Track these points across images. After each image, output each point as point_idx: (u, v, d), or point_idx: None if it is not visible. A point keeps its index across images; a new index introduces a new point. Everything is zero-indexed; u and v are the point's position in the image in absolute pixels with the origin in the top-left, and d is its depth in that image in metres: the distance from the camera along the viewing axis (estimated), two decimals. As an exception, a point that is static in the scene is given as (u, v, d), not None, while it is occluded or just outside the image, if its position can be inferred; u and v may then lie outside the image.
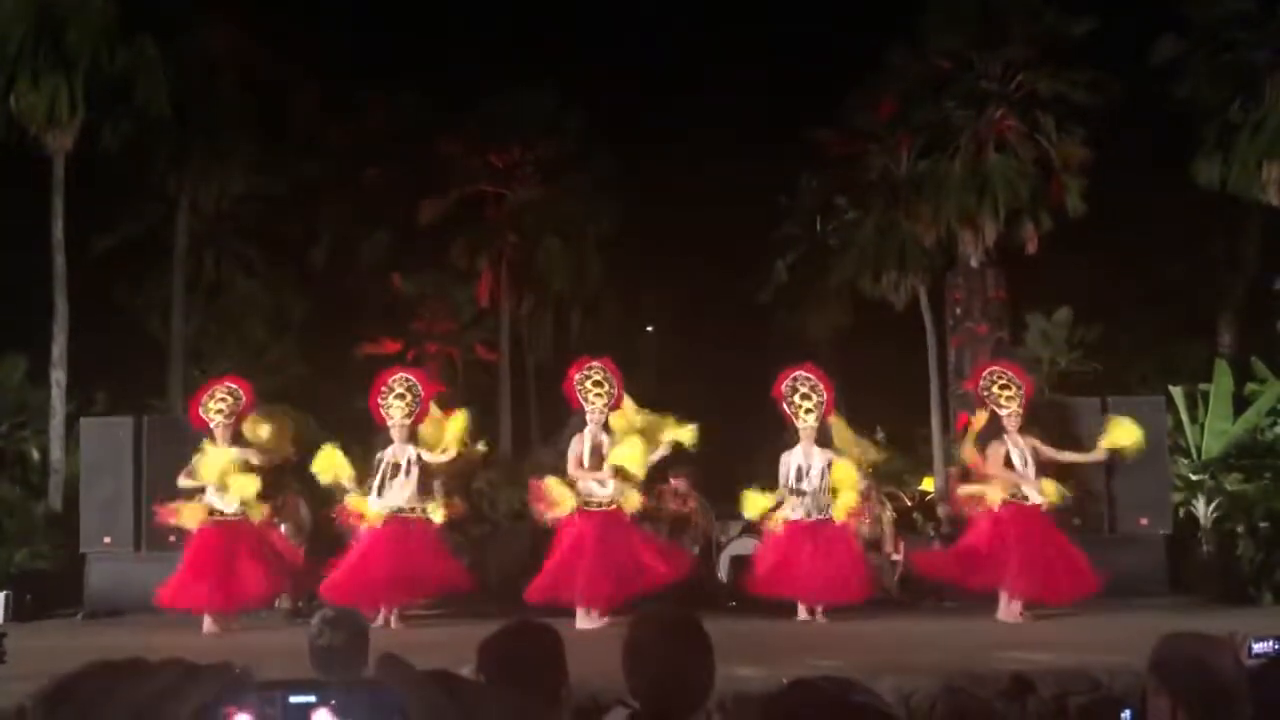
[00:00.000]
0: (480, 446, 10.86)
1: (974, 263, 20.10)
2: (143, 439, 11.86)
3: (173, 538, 10.61)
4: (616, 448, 9.76)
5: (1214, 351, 18.40)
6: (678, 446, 10.15)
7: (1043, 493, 9.85)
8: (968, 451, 10.22)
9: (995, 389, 10.16)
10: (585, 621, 9.33)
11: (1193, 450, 13.24)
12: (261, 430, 10.49)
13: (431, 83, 22.86)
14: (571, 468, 9.79)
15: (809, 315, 24.03)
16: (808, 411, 10.14)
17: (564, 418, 10.44)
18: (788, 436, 10.27)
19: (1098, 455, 10.34)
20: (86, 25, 15.61)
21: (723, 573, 11.77)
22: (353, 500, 10.02)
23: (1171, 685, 2.35)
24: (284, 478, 11.14)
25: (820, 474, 10.04)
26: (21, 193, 16.81)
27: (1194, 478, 12.78)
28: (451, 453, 10.19)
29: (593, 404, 9.88)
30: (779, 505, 10.08)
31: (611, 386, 9.99)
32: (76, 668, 1.36)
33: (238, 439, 10.33)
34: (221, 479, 10.10)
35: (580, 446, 9.82)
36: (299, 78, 20.35)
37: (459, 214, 23.99)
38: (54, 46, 15.51)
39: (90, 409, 15.55)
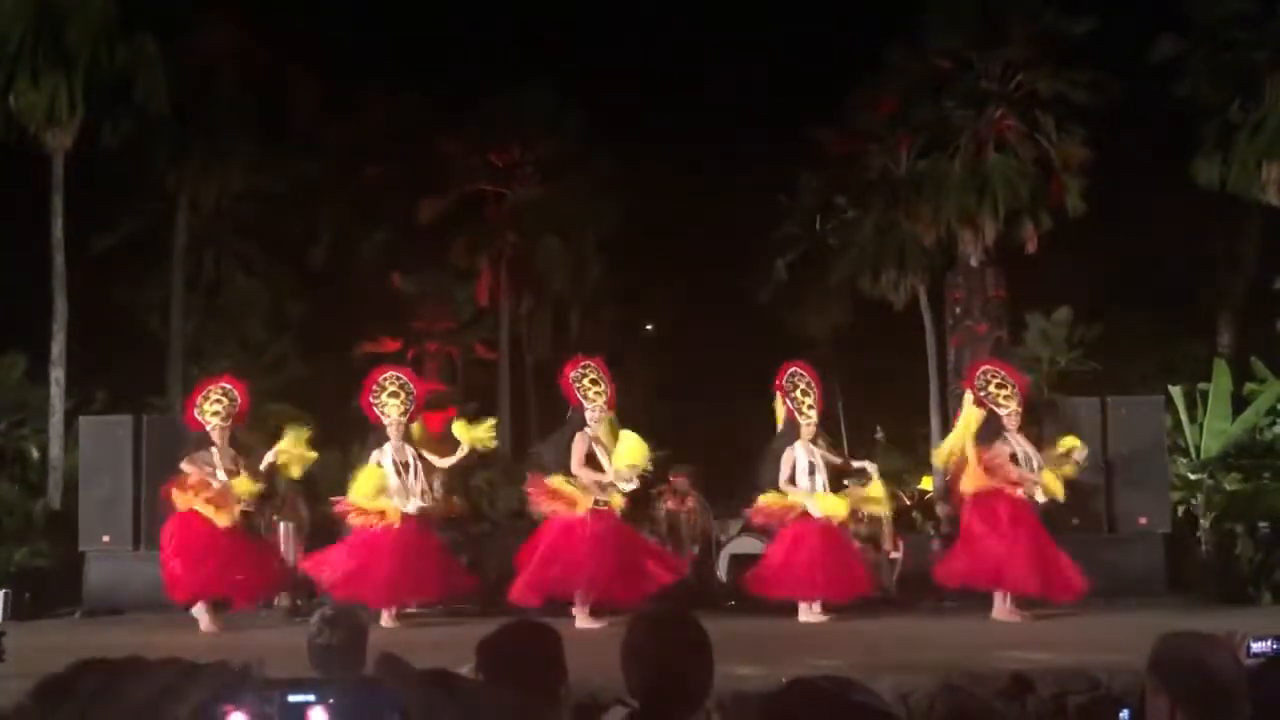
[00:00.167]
0: (485, 431, 10.63)
1: (974, 262, 20.12)
2: (142, 438, 11.84)
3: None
4: (619, 448, 9.72)
5: (1213, 351, 18.40)
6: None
7: (1047, 490, 9.83)
8: (969, 450, 10.07)
9: (992, 388, 10.10)
10: (585, 621, 9.33)
11: (1192, 450, 13.24)
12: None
13: (431, 82, 22.90)
14: (575, 467, 9.75)
15: (809, 314, 24.06)
16: (809, 407, 10.12)
17: (563, 417, 10.41)
18: (786, 431, 10.16)
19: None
20: (86, 24, 15.60)
21: (722, 572, 11.76)
22: (381, 502, 9.89)
23: (1170, 685, 2.35)
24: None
25: (822, 472, 10.04)
26: (21, 191, 16.82)
27: (1193, 477, 12.79)
28: (463, 452, 10.20)
29: (593, 401, 9.85)
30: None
31: (605, 385, 9.98)
32: (75, 666, 1.36)
33: (234, 441, 10.28)
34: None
35: (585, 446, 9.78)
36: (299, 76, 20.35)
37: (459, 213, 24.01)
38: (54, 45, 15.51)
39: (89, 407, 15.54)
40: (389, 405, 10.07)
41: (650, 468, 9.99)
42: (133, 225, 20.69)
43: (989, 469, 9.81)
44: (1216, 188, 17.56)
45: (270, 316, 22.09)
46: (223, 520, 9.80)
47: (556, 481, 9.73)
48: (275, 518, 11.49)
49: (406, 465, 10.01)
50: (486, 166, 24.50)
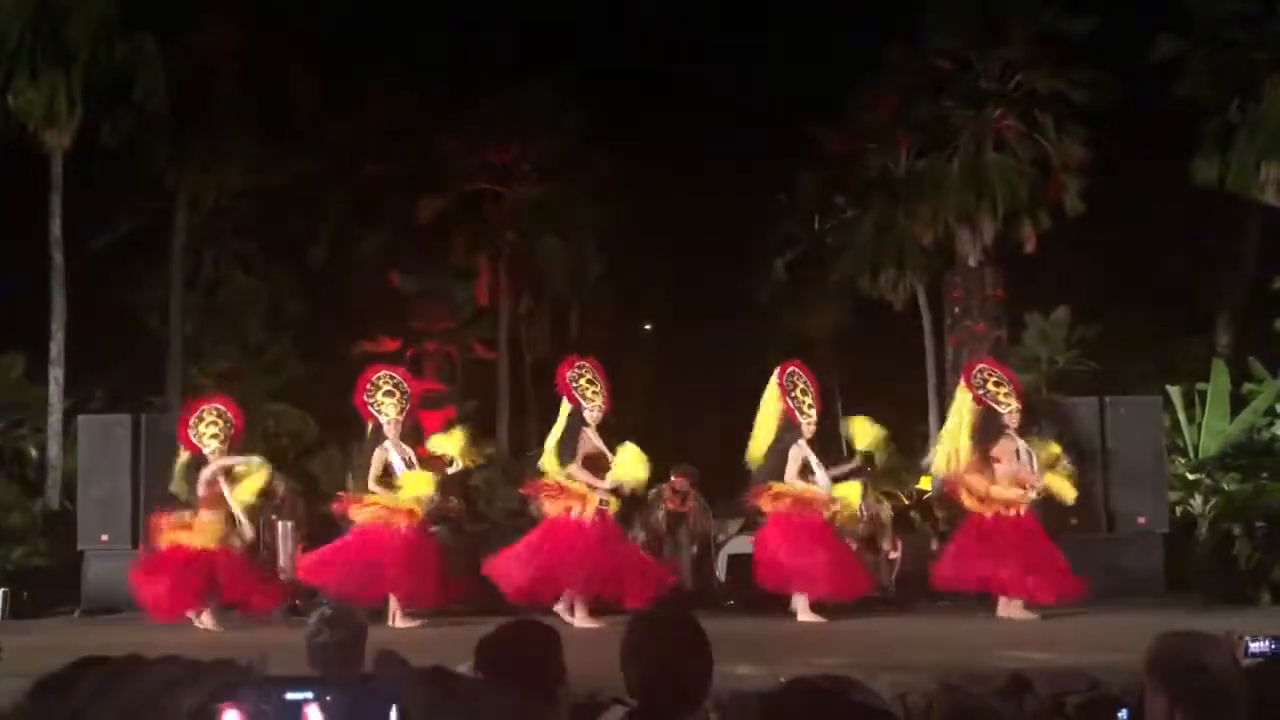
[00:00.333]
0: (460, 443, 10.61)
1: (972, 262, 20.12)
2: (141, 437, 11.84)
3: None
4: (619, 459, 9.71)
5: (1212, 351, 18.42)
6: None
7: (1057, 492, 9.83)
8: (968, 449, 10.05)
9: (991, 386, 10.09)
10: (584, 621, 9.32)
11: (1190, 449, 13.25)
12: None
13: (431, 81, 22.85)
14: (575, 467, 9.74)
15: (808, 314, 24.06)
16: (810, 407, 10.11)
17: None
18: (788, 430, 10.13)
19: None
20: (85, 22, 15.60)
21: (721, 572, 11.76)
22: (410, 501, 9.86)
23: (1168, 684, 2.35)
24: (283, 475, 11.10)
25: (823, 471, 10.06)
26: (20, 190, 16.80)
27: (1191, 477, 12.80)
28: (457, 467, 10.23)
29: (591, 400, 9.84)
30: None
31: (601, 385, 9.97)
32: (73, 665, 1.36)
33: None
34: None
35: (586, 446, 9.76)
36: (298, 75, 20.32)
37: (458, 212, 23.99)
38: (53, 43, 15.51)
39: (88, 406, 15.55)
40: (385, 404, 10.04)
41: (645, 481, 10.00)
42: (132, 224, 20.68)
43: (988, 477, 9.83)
44: (1215, 187, 17.56)
45: (269, 315, 22.08)
46: (203, 541, 9.82)
47: (566, 480, 9.69)
48: (274, 517, 11.48)
49: (410, 464, 10.02)
50: (486, 165, 24.48)
